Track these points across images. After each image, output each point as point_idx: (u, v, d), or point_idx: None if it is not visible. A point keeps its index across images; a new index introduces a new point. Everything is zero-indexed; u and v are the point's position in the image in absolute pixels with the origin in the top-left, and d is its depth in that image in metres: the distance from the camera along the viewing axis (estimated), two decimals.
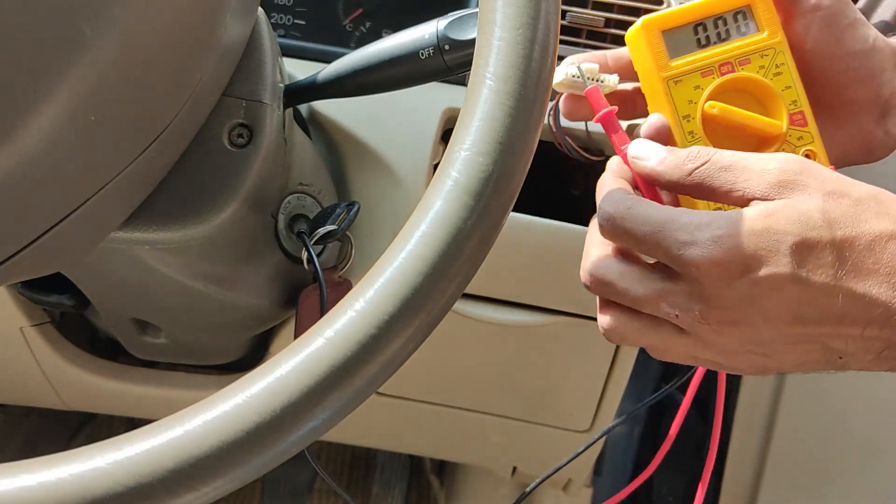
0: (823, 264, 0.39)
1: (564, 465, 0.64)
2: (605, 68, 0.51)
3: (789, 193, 0.40)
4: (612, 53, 0.51)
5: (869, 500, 1.10)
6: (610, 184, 0.46)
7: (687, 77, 0.48)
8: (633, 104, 0.51)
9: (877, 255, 0.39)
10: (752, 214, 0.40)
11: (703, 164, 0.43)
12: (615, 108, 0.48)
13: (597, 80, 0.49)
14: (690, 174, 0.43)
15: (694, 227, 0.41)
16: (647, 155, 0.45)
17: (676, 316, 0.42)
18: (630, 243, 0.43)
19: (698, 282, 0.41)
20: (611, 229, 0.43)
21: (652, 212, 0.42)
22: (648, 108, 0.49)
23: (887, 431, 1.09)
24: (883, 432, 1.10)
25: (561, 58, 0.67)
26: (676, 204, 0.47)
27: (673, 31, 0.48)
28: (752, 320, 0.41)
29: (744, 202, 0.41)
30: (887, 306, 0.39)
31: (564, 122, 0.53)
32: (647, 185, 0.46)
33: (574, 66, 0.49)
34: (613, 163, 0.48)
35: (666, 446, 0.58)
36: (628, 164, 0.46)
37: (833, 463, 1.11)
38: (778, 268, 0.39)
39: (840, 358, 0.41)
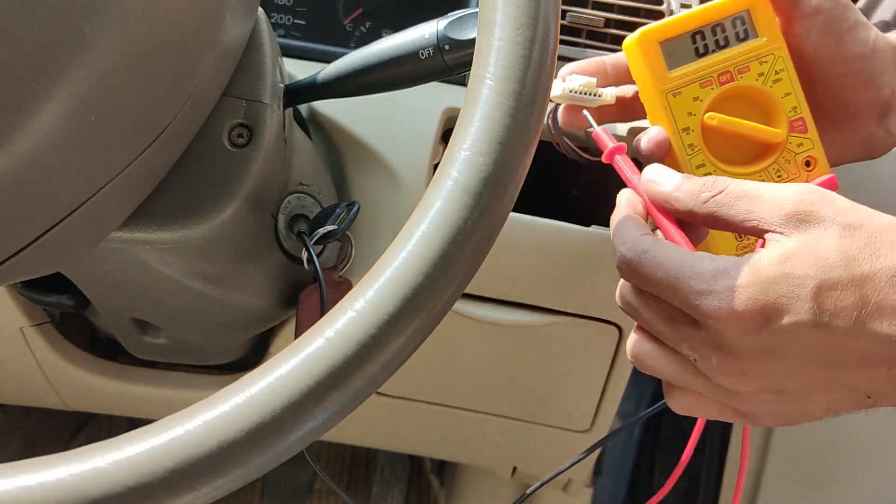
0: (845, 306, 0.38)
1: (567, 468, 0.64)
2: (604, 74, 0.50)
3: (805, 227, 0.39)
4: (612, 60, 0.51)
5: (868, 500, 1.10)
6: (624, 220, 0.45)
7: (686, 89, 0.48)
8: (632, 109, 0.51)
9: None
10: (768, 260, 0.39)
11: (718, 194, 0.42)
12: (623, 145, 0.47)
13: (594, 94, 0.49)
14: (706, 203, 0.42)
15: (710, 275, 0.40)
16: (663, 180, 0.44)
17: (695, 360, 0.41)
18: (648, 288, 0.42)
19: (717, 332, 0.40)
20: (628, 273, 0.43)
21: (667, 257, 0.41)
22: (648, 119, 0.49)
23: (887, 432, 1.09)
24: (882, 433, 1.10)
25: (561, 58, 0.67)
26: (690, 234, 0.46)
27: (670, 42, 0.48)
28: (773, 371, 0.40)
29: (758, 233, 0.41)
30: None
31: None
32: (661, 213, 0.45)
33: (572, 81, 0.49)
34: (624, 196, 0.47)
35: (680, 468, 0.57)
36: (641, 195, 0.46)
37: (833, 463, 1.11)
38: (798, 315, 0.38)
39: (868, 398, 0.40)
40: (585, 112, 0.49)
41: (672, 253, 0.41)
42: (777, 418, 0.43)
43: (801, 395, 0.41)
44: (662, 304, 0.42)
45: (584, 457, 0.63)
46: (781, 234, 0.40)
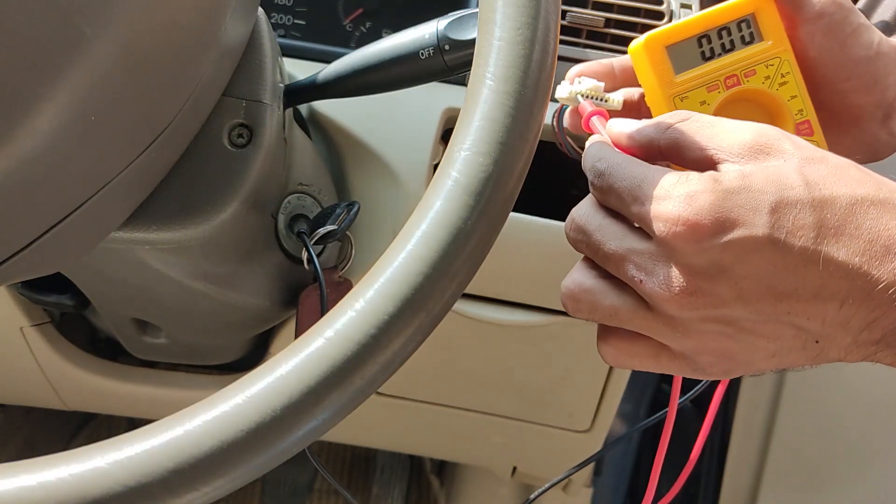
0: (803, 225, 0.37)
1: (573, 472, 0.64)
2: (612, 77, 0.50)
3: (765, 158, 0.39)
4: (619, 62, 0.51)
5: (868, 500, 1.10)
6: (598, 143, 0.45)
7: (693, 93, 0.48)
8: (638, 112, 0.51)
9: (858, 219, 0.37)
10: (728, 174, 0.38)
11: (682, 121, 0.41)
12: (602, 110, 0.47)
13: (601, 99, 0.49)
14: (668, 129, 0.41)
15: (670, 183, 0.39)
16: (628, 123, 0.44)
17: (640, 282, 0.39)
18: (610, 198, 0.41)
19: (666, 242, 0.38)
20: (599, 185, 0.42)
21: (634, 167, 0.41)
22: None
23: (886, 432, 1.09)
24: (882, 433, 1.10)
25: (561, 58, 0.67)
26: None
27: (677, 46, 0.48)
28: (721, 293, 0.38)
29: (714, 163, 0.40)
30: (867, 277, 0.36)
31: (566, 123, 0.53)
32: (625, 152, 0.44)
33: (580, 84, 0.49)
34: (591, 140, 0.46)
35: (688, 469, 0.56)
36: (608, 141, 0.45)
37: (832, 464, 1.11)
38: (754, 229, 0.37)
39: (816, 342, 0.39)
40: (580, 98, 0.49)
41: (640, 165, 0.41)
42: (717, 364, 0.41)
43: (747, 329, 0.39)
44: (618, 219, 0.41)
45: (588, 463, 0.63)
46: (738, 164, 0.39)
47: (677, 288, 0.38)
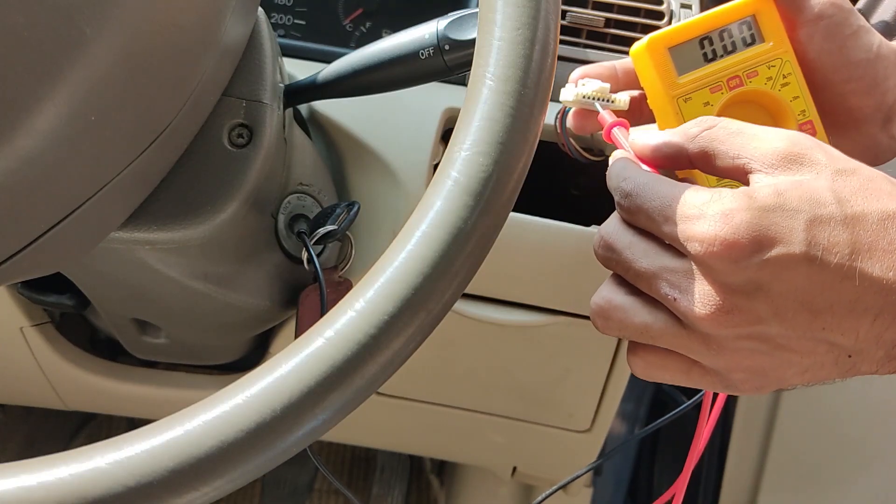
0: (838, 242, 0.37)
1: (579, 476, 0.64)
2: (616, 79, 0.50)
3: (798, 168, 0.38)
4: (622, 64, 0.51)
5: (868, 500, 1.10)
6: (623, 160, 0.44)
7: (696, 94, 0.48)
8: (639, 113, 0.51)
9: (890, 234, 0.37)
10: (763, 192, 0.38)
11: (711, 128, 0.41)
12: (623, 120, 0.47)
13: (607, 100, 0.49)
14: (697, 137, 0.41)
15: (703, 202, 0.38)
16: (652, 135, 0.44)
17: (675, 300, 0.39)
18: (639, 218, 0.41)
19: (702, 261, 0.38)
20: (626, 206, 0.41)
21: (664, 187, 0.40)
22: (657, 124, 0.49)
23: (885, 433, 1.09)
24: (881, 434, 1.10)
25: (561, 58, 0.67)
26: None
27: (679, 48, 0.48)
28: (758, 310, 0.38)
29: (744, 174, 0.39)
30: None
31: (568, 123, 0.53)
32: (650, 167, 0.44)
33: (585, 86, 0.49)
34: (616, 156, 0.46)
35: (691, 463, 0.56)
36: (633, 157, 0.44)
37: (832, 464, 1.11)
38: (791, 247, 0.37)
39: (849, 356, 0.39)
40: (598, 106, 0.49)
41: (668, 184, 0.40)
42: (749, 380, 0.41)
43: (782, 346, 0.39)
44: (649, 238, 0.41)
45: (591, 468, 0.63)
46: (770, 176, 0.39)
47: (714, 306, 0.38)
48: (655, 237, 0.41)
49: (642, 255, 0.41)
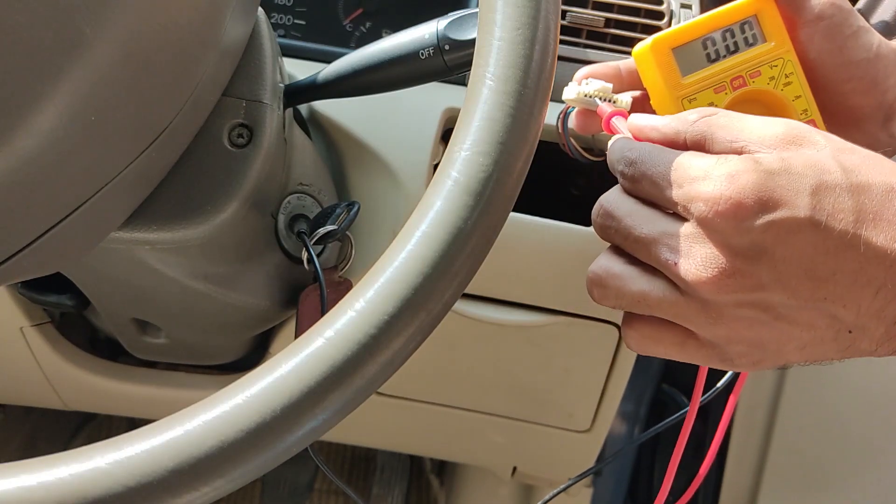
0: (842, 209, 0.36)
1: (581, 478, 0.64)
2: (619, 79, 0.50)
3: (797, 148, 0.38)
4: (625, 65, 0.51)
5: (869, 500, 1.10)
6: (622, 138, 0.44)
7: (700, 94, 0.48)
8: (641, 112, 0.51)
9: (895, 207, 0.37)
10: (768, 156, 0.38)
11: (710, 115, 0.41)
12: (622, 110, 0.47)
13: (610, 100, 0.49)
14: (696, 122, 0.41)
15: (708, 165, 0.38)
16: (651, 119, 0.44)
17: (675, 264, 0.38)
18: (646, 186, 0.41)
19: (707, 222, 0.37)
20: (631, 174, 0.41)
21: (667, 153, 0.40)
22: None
23: (886, 432, 1.09)
24: (882, 433, 1.10)
25: (561, 58, 0.67)
26: None
27: (683, 48, 0.48)
28: (761, 275, 0.37)
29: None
30: None
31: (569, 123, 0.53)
32: None
33: (588, 86, 0.49)
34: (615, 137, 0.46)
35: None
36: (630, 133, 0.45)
37: (833, 463, 1.11)
38: (796, 210, 0.36)
39: (849, 332, 0.38)
40: (599, 102, 0.49)
41: (673, 151, 0.40)
42: (746, 354, 0.40)
43: (783, 315, 0.38)
44: (651, 206, 0.41)
45: (592, 472, 0.63)
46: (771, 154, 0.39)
47: (716, 269, 0.37)
48: (657, 205, 0.41)
49: (643, 221, 0.40)
